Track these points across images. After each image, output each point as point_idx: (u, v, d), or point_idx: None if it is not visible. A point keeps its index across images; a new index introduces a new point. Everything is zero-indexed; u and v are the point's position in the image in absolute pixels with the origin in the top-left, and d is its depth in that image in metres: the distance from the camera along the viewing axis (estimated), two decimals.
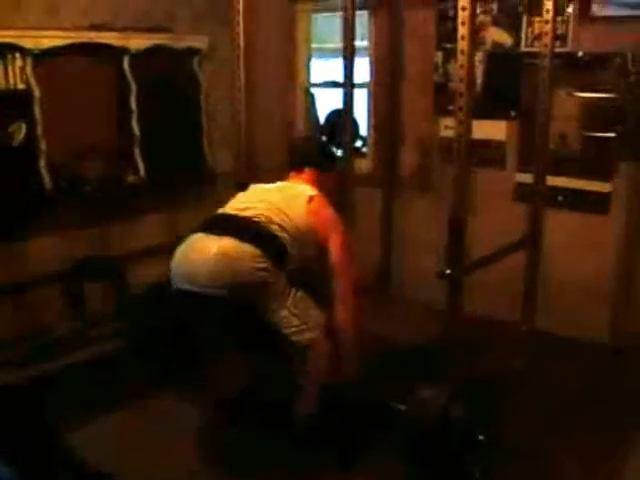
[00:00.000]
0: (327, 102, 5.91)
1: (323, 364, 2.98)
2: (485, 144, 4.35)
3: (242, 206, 3.03)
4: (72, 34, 3.90)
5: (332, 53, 5.41)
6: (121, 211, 4.33)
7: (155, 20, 4.35)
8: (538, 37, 3.85)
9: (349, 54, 4.43)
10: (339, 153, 4.51)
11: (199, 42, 4.58)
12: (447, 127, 4.42)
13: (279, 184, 3.25)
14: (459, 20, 2.73)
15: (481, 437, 2.89)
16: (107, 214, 4.25)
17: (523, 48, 4.20)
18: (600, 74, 3.94)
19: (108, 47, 4.10)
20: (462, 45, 2.74)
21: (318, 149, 3.66)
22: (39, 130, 3.81)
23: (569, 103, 4.05)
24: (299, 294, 2.93)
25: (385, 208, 4.90)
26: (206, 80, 4.70)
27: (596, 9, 3.89)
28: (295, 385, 3.03)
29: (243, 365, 3.48)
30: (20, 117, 3.75)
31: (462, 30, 2.73)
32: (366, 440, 3.12)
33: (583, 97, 4.02)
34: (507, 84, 4.30)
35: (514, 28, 4.22)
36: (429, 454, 2.87)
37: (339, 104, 4.70)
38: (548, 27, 3.53)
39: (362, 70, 4.88)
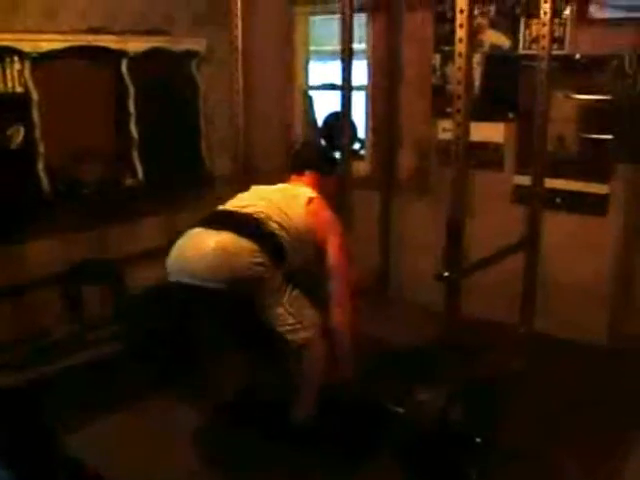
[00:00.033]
0: (325, 105, 5.91)
1: (318, 365, 2.99)
2: (483, 146, 4.35)
3: (242, 204, 3.06)
4: (70, 37, 3.90)
5: (330, 56, 5.41)
6: (119, 214, 4.33)
7: (153, 23, 4.35)
8: (536, 39, 3.85)
9: (347, 57, 4.43)
10: (339, 157, 4.51)
11: (197, 45, 4.58)
12: (445, 129, 4.42)
13: (280, 186, 3.27)
14: (457, 22, 2.73)
15: (478, 439, 2.89)
16: (105, 217, 4.25)
17: (521, 50, 4.21)
18: (597, 76, 3.95)
19: (106, 50, 4.10)
20: (460, 47, 2.74)
21: (319, 153, 3.69)
22: (37, 133, 3.81)
23: (567, 105, 4.05)
24: (295, 293, 2.94)
25: (383, 210, 4.90)
26: (204, 83, 4.70)
27: (593, 11, 3.90)
28: (292, 386, 3.03)
29: (242, 366, 3.48)
30: (18, 120, 3.76)
31: (460, 32, 2.73)
32: (364, 442, 3.12)
33: (581, 99, 4.03)
34: (505, 86, 4.31)
35: (512, 30, 4.23)
36: (427, 456, 2.87)
37: (337, 107, 4.70)
38: (546, 29, 3.54)
39: (360, 73, 4.88)
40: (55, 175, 3.95)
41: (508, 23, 4.24)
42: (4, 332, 3.81)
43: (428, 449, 2.88)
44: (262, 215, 2.94)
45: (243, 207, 3.02)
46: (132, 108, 4.28)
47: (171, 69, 4.52)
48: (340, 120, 4.65)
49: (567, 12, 3.98)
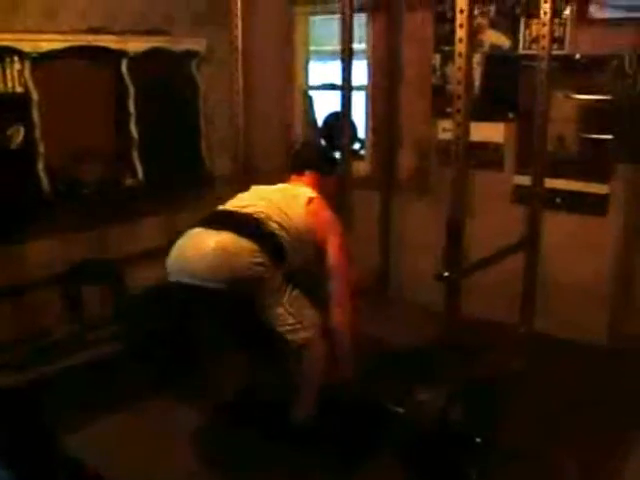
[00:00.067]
0: (325, 105, 5.91)
1: (318, 365, 2.99)
2: (483, 146, 4.35)
3: (242, 204, 3.06)
4: (70, 37, 3.90)
5: (330, 56, 5.41)
6: (119, 214, 4.33)
7: (153, 23, 4.35)
8: (536, 39, 3.85)
9: (347, 57, 4.43)
10: (338, 157, 4.51)
11: (197, 45, 4.58)
12: (445, 129, 4.42)
13: (280, 186, 3.27)
14: (457, 22, 2.73)
15: (478, 439, 2.89)
16: (105, 217, 4.25)
17: (521, 50, 4.21)
18: (597, 76, 3.95)
19: (106, 50, 4.10)
20: (460, 48, 2.74)
21: (319, 153, 3.69)
22: (37, 133, 3.81)
23: (567, 105, 4.05)
24: (295, 293, 2.94)
25: (383, 210, 4.90)
26: (204, 83, 4.70)
27: (593, 11, 3.90)
28: (292, 386, 3.04)
29: (242, 366, 3.48)
30: (18, 120, 3.76)
31: (460, 32, 2.73)
32: (364, 442, 3.12)
33: (581, 99, 4.03)
34: (505, 86, 4.31)
35: (512, 30, 4.23)
36: (427, 456, 2.87)
37: (337, 107, 4.70)
38: (546, 29, 3.54)
39: (360, 73, 4.88)
40: (55, 175, 3.95)
41: (508, 23, 4.24)
42: (4, 332, 3.82)
43: (428, 449, 2.88)
44: (262, 215, 2.94)
45: (243, 207, 3.02)
46: (132, 108, 4.28)
47: (171, 69, 4.52)
48: (340, 120, 4.65)
49: (567, 12, 3.98)
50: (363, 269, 3.95)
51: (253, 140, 4.02)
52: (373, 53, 4.92)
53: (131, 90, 4.25)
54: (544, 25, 3.54)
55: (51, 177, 3.92)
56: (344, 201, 4.43)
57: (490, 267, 3.37)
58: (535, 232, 3.75)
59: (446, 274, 2.89)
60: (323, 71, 6.04)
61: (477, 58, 4.31)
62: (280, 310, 2.88)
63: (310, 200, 3.10)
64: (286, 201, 3.06)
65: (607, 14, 3.86)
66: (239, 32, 3.67)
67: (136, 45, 4.22)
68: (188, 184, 4.64)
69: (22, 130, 3.77)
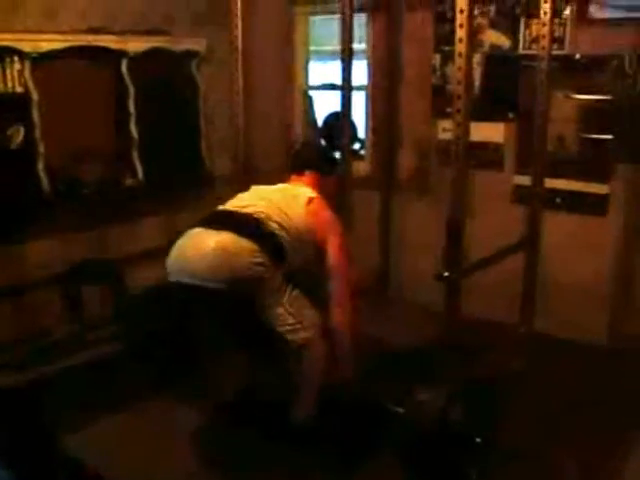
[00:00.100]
0: (325, 105, 5.91)
1: (318, 365, 2.99)
2: (483, 146, 4.35)
3: (242, 204, 3.06)
4: (70, 37, 3.90)
5: (330, 56, 5.41)
6: (119, 214, 4.33)
7: (153, 23, 4.35)
8: (536, 39, 3.85)
9: (347, 57, 4.43)
10: (338, 157, 4.51)
11: (197, 45, 4.58)
12: (445, 129, 4.42)
13: (280, 186, 3.27)
14: (457, 22, 2.73)
15: (478, 439, 2.89)
16: (105, 217, 4.25)
17: (521, 50, 4.21)
18: (597, 76, 3.95)
19: (106, 50, 4.10)
20: (460, 48, 2.74)
21: (319, 153, 3.69)
22: (37, 133, 3.81)
23: (567, 105, 4.05)
24: (295, 293, 2.94)
25: (383, 210, 4.90)
26: (204, 83, 4.70)
27: (593, 11, 3.90)
28: (292, 386, 3.04)
29: (242, 366, 3.48)
30: (18, 120, 3.76)
31: (460, 32, 2.73)
32: (364, 442, 3.11)
33: (581, 99, 4.03)
34: (505, 86, 4.31)
35: (512, 30, 4.23)
36: (427, 456, 2.87)
37: (337, 107, 4.70)
38: (546, 29, 3.54)
39: (360, 73, 4.88)
40: (55, 175, 3.95)
41: (508, 23, 4.24)
42: (4, 332, 3.81)
43: (428, 449, 2.88)
44: (262, 215, 2.94)
45: (243, 207, 3.02)
46: (132, 108, 4.28)
47: (171, 69, 4.52)
48: (340, 120, 4.65)
49: (567, 12, 3.98)
50: (363, 269, 3.95)
51: (253, 140, 4.02)
52: (373, 53, 4.92)
53: (131, 90, 4.25)
54: (544, 25, 3.54)
55: (51, 177, 3.92)
56: (344, 201, 4.43)
57: (490, 267, 3.37)
58: (535, 232, 3.75)
59: (446, 274, 2.89)
60: (323, 71, 6.04)
61: (477, 58, 4.31)
62: (280, 310, 2.88)
63: (310, 200, 3.10)
64: (286, 201, 3.06)
65: (607, 14, 3.86)
66: (239, 32, 3.67)
67: (136, 45, 4.22)
68: (188, 184, 4.64)
69: (22, 130, 3.77)
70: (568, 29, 4.00)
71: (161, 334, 3.85)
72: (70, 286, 4.10)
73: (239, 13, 3.64)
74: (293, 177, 3.34)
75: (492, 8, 4.28)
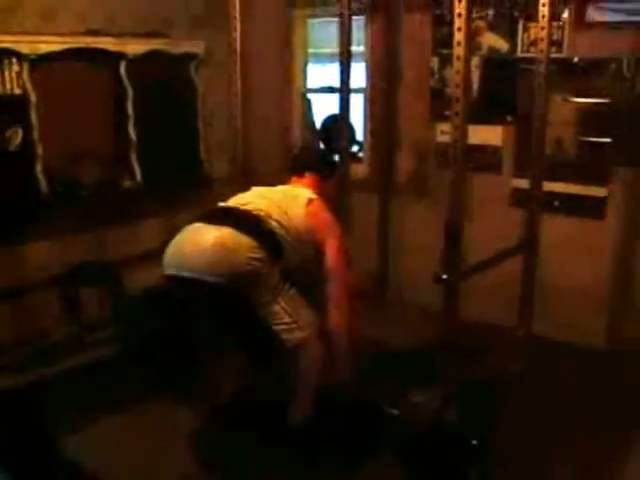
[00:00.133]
0: (323, 107, 5.91)
1: (315, 366, 2.99)
2: (481, 149, 4.36)
3: (243, 201, 3.07)
4: (69, 39, 3.91)
5: (329, 58, 5.42)
6: (117, 216, 4.33)
7: (152, 25, 4.35)
8: (534, 43, 3.85)
9: (345, 59, 4.43)
10: (338, 159, 4.51)
11: (196, 47, 4.58)
12: (443, 132, 4.42)
13: (280, 187, 3.28)
14: (455, 26, 2.74)
15: (475, 442, 2.89)
16: (103, 219, 4.25)
17: (519, 53, 4.21)
18: (596, 79, 3.95)
19: (105, 52, 4.10)
20: (458, 51, 2.75)
21: (319, 155, 3.70)
22: (35, 135, 3.81)
23: (565, 108, 4.06)
24: (292, 292, 2.95)
25: (382, 213, 4.90)
26: (203, 85, 4.70)
27: (592, 15, 3.90)
28: (289, 386, 3.03)
29: (239, 366, 3.48)
30: (17, 122, 3.76)
31: (458, 36, 2.74)
32: (361, 443, 3.11)
33: (579, 102, 4.03)
34: (503, 89, 4.31)
35: (510, 34, 4.23)
36: (424, 459, 2.87)
37: (335, 109, 4.70)
38: (544, 33, 3.55)
39: (358, 75, 4.89)
40: (53, 177, 3.95)
41: (506, 26, 4.25)
42: (3, 334, 3.81)
43: (426, 451, 2.88)
44: (262, 213, 2.95)
45: (243, 205, 3.03)
46: (130, 110, 4.28)
47: (169, 71, 4.52)
48: (338, 123, 4.65)
49: (565, 15, 3.99)
50: (362, 271, 3.96)
51: (251, 142, 4.02)
52: (371, 56, 4.92)
53: (129, 92, 4.25)
54: (542, 28, 3.55)
55: (49, 179, 3.92)
56: (343, 203, 4.43)
57: (488, 270, 3.38)
58: (533, 235, 3.76)
59: (444, 276, 2.90)
60: (321, 74, 6.05)
61: (475, 61, 4.31)
62: (277, 308, 2.88)
63: (310, 201, 3.11)
64: (286, 201, 3.07)
65: (605, 17, 3.86)
66: (237, 35, 3.67)
67: (135, 47, 4.22)
68: (186, 186, 4.63)
69: (20, 132, 3.77)
70: (566, 32, 4.00)
71: (159, 335, 3.84)
72: (68, 288, 4.10)
73: (237, 16, 3.65)
74: (293, 179, 3.35)
75: (490, 11, 4.29)
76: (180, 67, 4.58)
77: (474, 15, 4.12)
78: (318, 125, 5.94)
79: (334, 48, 4.74)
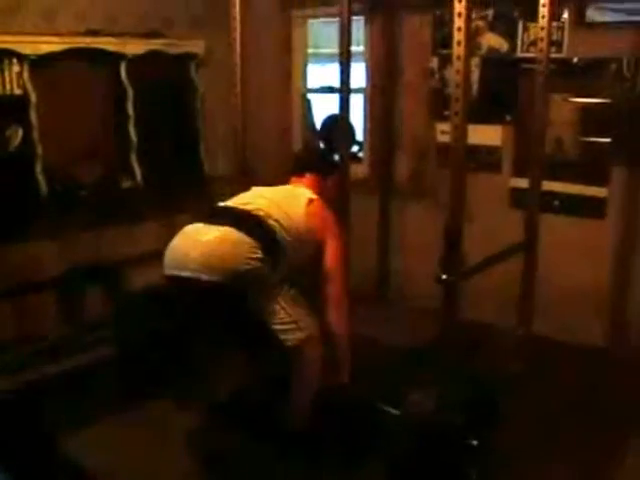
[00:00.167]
0: (323, 107, 5.91)
1: (313, 366, 2.99)
2: (481, 149, 4.36)
3: (243, 201, 3.07)
4: (69, 40, 3.91)
5: (328, 58, 5.41)
6: (117, 216, 4.32)
7: (152, 26, 4.36)
8: (534, 43, 3.85)
9: (345, 59, 4.40)
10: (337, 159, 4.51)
11: (196, 47, 4.59)
12: (443, 132, 4.42)
13: (280, 187, 3.27)
14: (455, 26, 2.73)
15: (475, 442, 2.89)
16: (103, 219, 4.25)
17: (519, 53, 4.21)
18: (596, 79, 3.95)
19: (105, 52, 4.11)
20: (458, 51, 2.75)
21: (319, 155, 3.69)
22: (35, 135, 3.82)
23: (565, 108, 4.06)
24: (291, 292, 2.95)
25: (382, 213, 4.90)
26: (203, 85, 4.70)
27: (591, 15, 3.90)
28: (288, 387, 3.03)
29: (238, 366, 3.48)
30: (17, 122, 3.76)
31: (458, 36, 2.73)
32: (360, 443, 3.11)
33: (579, 102, 4.03)
34: (503, 89, 4.31)
35: (510, 34, 4.24)
36: (422, 458, 2.86)
37: (335, 109, 4.69)
38: (544, 33, 3.54)
39: (358, 75, 4.88)
40: (53, 177, 3.96)
41: (506, 26, 4.25)
42: (2, 334, 3.81)
43: (425, 451, 2.88)
44: (262, 212, 2.94)
45: (244, 204, 3.03)
46: (130, 110, 4.28)
47: (170, 71, 4.53)
48: (338, 123, 4.65)
49: (565, 15, 3.99)
50: (362, 272, 3.96)
51: (251, 142, 4.01)
52: (371, 56, 4.93)
53: (130, 92, 4.26)
54: (542, 28, 3.55)
55: (49, 179, 3.92)
56: (342, 204, 4.42)
57: (488, 270, 3.37)
58: (533, 235, 3.75)
59: (444, 277, 2.89)
60: (321, 74, 6.05)
61: (475, 61, 4.32)
62: (276, 307, 2.88)
63: (310, 201, 3.10)
64: (287, 201, 3.07)
65: (605, 17, 3.86)
66: (238, 35, 3.67)
67: (135, 48, 4.23)
68: (186, 186, 4.64)
69: (20, 132, 3.78)
70: (566, 32, 4.00)
71: (159, 335, 3.84)
72: (67, 288, 4.10)
73: (238, 16, 3.64)
74: (293, 179, 3.34)
75: (490, 11, 4.29)
76: (180, 67, 4.58)
77: (474, 15, 4.11)
78: (318, 125, 5.94)
79: (334, 48, 4.72)
